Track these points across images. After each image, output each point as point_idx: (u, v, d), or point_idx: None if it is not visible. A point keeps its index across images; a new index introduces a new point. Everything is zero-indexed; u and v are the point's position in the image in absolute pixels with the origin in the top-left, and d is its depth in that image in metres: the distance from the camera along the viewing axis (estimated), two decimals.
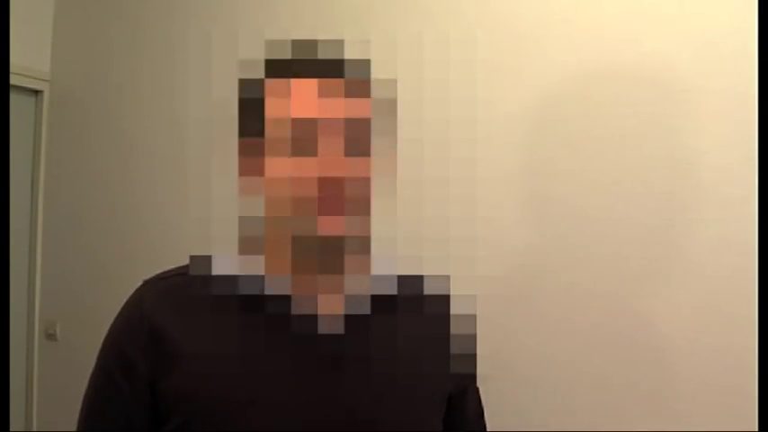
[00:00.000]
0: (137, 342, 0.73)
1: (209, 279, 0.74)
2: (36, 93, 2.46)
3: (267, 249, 0.72)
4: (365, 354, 0.74)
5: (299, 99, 0.70)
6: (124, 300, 0.79)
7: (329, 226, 0.69)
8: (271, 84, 0.71)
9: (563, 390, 1.55)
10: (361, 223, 0.72)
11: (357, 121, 0.71)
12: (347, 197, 0.70)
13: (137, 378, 0.73)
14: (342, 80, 0.71)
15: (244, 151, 0.72)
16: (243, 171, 0.72)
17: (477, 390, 0.89)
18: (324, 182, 0.69)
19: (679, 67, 1.46)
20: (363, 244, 0.73)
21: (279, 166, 0.70)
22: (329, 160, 0.69)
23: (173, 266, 0.81)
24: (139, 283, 0.79)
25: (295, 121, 0.70)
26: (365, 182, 0.71)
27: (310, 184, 0.69)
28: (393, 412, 0.74)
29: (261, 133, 0.70)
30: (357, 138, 0.71)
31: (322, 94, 0.70)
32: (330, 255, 0.71)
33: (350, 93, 0.71)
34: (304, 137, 0.69)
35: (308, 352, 0.72)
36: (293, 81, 0.71)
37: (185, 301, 0.75)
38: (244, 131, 0.73)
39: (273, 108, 0.71)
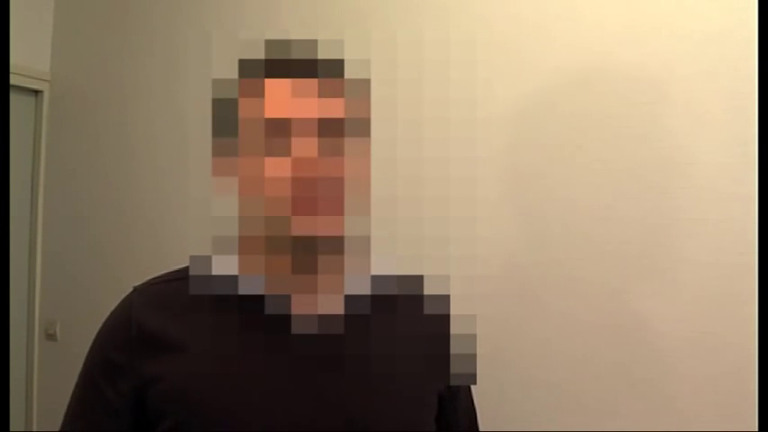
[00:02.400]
0: (124, 347, 0.73)
1: (209, 280, 0.74)
2: (36, 93, 2.46)
3: (265, 249, 0.72)
4: (364, 354, 0.74)
5: (272, 99, 0.70)
6: None
7: (303, 226, 0.68)
8: (244, 84, 0.71)
9: (563, 389, 1.55)
10: (360, 223, 0.72)
11: (330, 121, 0.70)
12: (320, 196, 0.69)
13: (122, 385, 0.72)
14: (315, 80, 0.71)
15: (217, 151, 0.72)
16: (217, 171, 0.72)
17: (469, 389, 0.89)
18: (297, 181, 0.68)
19: (679, 66, 1.46)
20: (363, 244, 0.73)
21: (253, 165, 0.70)
22: (302, 159, 0.69)
23: (171, 267, 0.81)
24: (130, 291, 0.78)
25: (268, 121, 0.70)
26: (338, 181, 0.70)
27: (284, 183, 0.68)
28: (391, 412, 0.74)
29: (235, 133, 0.70)
30: (330, 137, 0.70)
31: (296, 93, 0.70)
32: (328, 254, 0.71)
33: (323, 92, 0.71)
34: (277, 136, 0.69)
35: (307, 352, 0.72)
36: (267, 81, 0.70)
37: (178, 304, 0.74)
38: (219, 131, 0.72)
39: (247, 108, 0.71)
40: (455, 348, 0.79)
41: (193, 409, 0.70)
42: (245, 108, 0.71)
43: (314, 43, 0.73)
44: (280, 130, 0.69)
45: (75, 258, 2.38)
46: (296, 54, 0.72)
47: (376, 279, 0.76)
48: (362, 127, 0.73)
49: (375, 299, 0.75)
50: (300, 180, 0.69)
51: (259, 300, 0.72)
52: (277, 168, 0.69)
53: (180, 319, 0.74)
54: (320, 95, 0.70)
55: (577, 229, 1.56)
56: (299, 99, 0.70)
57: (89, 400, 0.75)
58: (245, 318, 0.72)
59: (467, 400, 0.90)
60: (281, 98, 0.70)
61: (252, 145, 0.70)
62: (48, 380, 2.41)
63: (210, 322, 0.73)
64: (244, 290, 0.72)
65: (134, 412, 0.72)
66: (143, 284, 0.79)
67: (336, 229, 0.70)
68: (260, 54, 0.72)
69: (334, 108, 0.71)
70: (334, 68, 0.72)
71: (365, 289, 0.75)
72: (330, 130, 0.70)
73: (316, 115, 0.70)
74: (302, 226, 0.69)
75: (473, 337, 0.80)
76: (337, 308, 0.73)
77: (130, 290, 0.78)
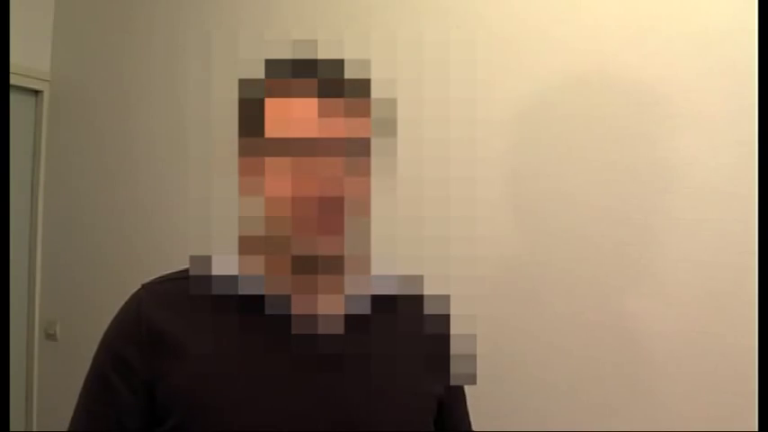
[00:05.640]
0: (134, 343, 0.73)
1: (209, 280, 0.74)
2: (36, 93, 2.47)
3: (267, 250, 0.72)
4: (365, 354, 0.74)
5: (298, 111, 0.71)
6: (124, 300, 0.79)
7: (305, 243, 0.70)
8: (270, 85, 0.72)
9: (563, 389, 1.55)
10: (360, 224, 0.72)
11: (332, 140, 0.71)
12: (345, 198, 0.70)
13: (133, 380, 0.73)
14: (342, 100, 0.72)
15: (244, 151, 0.72)
16: (243, 171, 0.72)
17: (463, 389, 0.90)
18: (322, 182, 0.69)
19: (679, 67, 1.46)
20: (363, 245, 0.73)
21: (279, 166, 0.70)
22: (327, 160, 0.69)
23: (171, 267, 0.81)
24: (138, 287, 0.79)
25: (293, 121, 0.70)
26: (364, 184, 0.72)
27: (311, 185, 0.69)
28: (391, 412, 0.74)
29: (261, 133, 0.71)
30: (356, 142, 0.71)
31: (322, 108, 0.71)
32: (329, 259, 0.71)
33: (349, 110, 0.72)
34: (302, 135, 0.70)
35: (307, 352, 0.72)
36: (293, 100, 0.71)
37: (183, 303, 0.75)
38: (243, 131, 0.73)
39: (273, 110, 0.71)
40: (455, 348, 0.80)
41: (195, 409, 0.70)
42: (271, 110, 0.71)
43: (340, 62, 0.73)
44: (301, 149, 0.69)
45: (75, 258, 2.38)
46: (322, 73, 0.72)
47: (376, 279, 0.76)
48: (365, 147, 0.73)
49: (375, 299, 0.75)
50: (302, 199, 0.69)
51: (259, 300, 0.72)
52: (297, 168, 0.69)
53: (184, 318, 0.74)
54: (320, 115, 0.71)
55: (577, 230, 1.56)
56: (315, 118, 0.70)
57: (101, 395, 0.75)
58: (246, 318, 0.73)
59: (464, 400, 0.90)
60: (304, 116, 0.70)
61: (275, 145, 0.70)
62: (48, 380, 2.41)
63: (211, 322, 0.73)
64: (244, 290, 0.73)
65: (145, 408, 0.73)
66: (150, 282, 0.79)
67: (337, 248, 0.70)
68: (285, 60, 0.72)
69: (340, 128, 0.71)
70: (361, 88, 0.73)
71: (365, 289, 0.75)
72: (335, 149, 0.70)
73: (316, 135, 0.70)
74: (304, 243, 0.69)
75: (473, 337, 0.80)
76: (337, 308, 0.73)
77: (138, 287, 0.79)
